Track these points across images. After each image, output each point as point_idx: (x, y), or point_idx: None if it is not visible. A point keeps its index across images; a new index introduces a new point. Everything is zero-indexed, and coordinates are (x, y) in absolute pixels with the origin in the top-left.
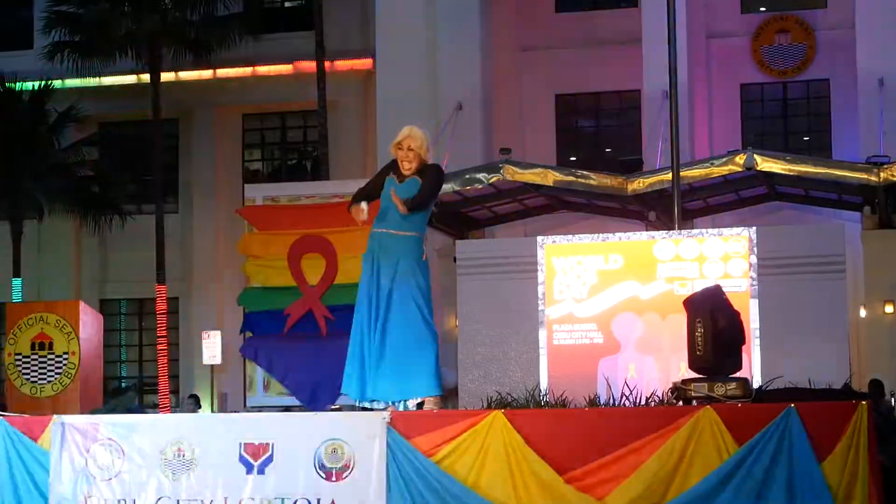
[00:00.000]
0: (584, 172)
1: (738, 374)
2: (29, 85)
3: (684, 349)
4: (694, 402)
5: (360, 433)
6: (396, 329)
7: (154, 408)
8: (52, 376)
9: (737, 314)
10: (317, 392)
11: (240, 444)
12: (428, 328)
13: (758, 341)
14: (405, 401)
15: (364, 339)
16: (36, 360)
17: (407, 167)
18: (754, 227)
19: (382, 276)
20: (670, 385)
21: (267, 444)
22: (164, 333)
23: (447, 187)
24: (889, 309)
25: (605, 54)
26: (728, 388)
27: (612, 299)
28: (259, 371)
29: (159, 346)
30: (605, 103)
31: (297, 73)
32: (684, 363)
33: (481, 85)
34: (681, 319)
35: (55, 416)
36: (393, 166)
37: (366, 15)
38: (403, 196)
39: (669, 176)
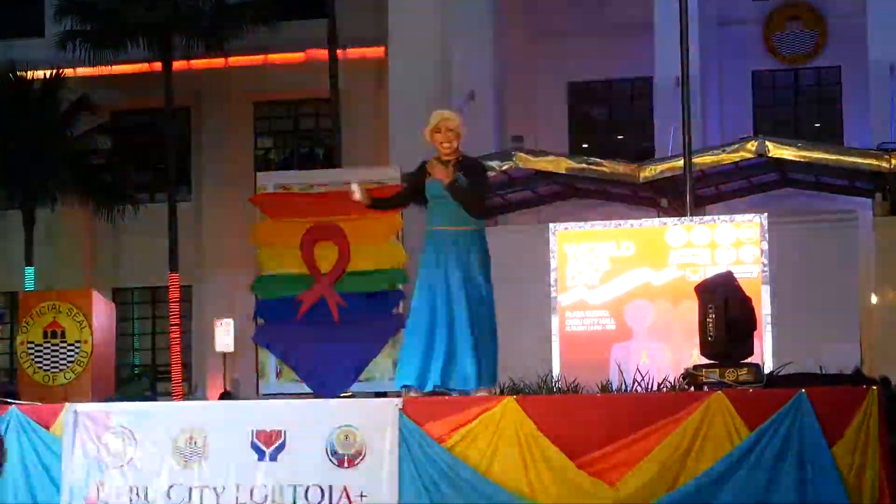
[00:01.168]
0: (597, 160)
1: (749, 360)
2: (41, 73)
3: (696, 335)
4: (705, 388)
5: (373, 420)
6: (475, 320)
7: (167, 395)
8: (65, 365)
9: (748, 300)
10: (329, 379)
11: (252, 431)
12: (494, 320)
13: (769, 327)
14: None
15: (434, 330)
16: (48, 348)
17: (448, 148)
18: (766, 214)
19: (453, 270)
20: (682, 371)
21: (279, 432)
22: (176, 321)
23: None
24: None
25: (617, 42)
26: (739, 373)
27: (624, 286)
28: (271, 358)
29: (172, 335)
30: (617, 91)
31: (310, 61)
32: (696, 350)
33: (493, 73)
34: (693, 306)
35: (67, 404)
36: (424, 170)
37: (378, 3)
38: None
39: (681, 163)
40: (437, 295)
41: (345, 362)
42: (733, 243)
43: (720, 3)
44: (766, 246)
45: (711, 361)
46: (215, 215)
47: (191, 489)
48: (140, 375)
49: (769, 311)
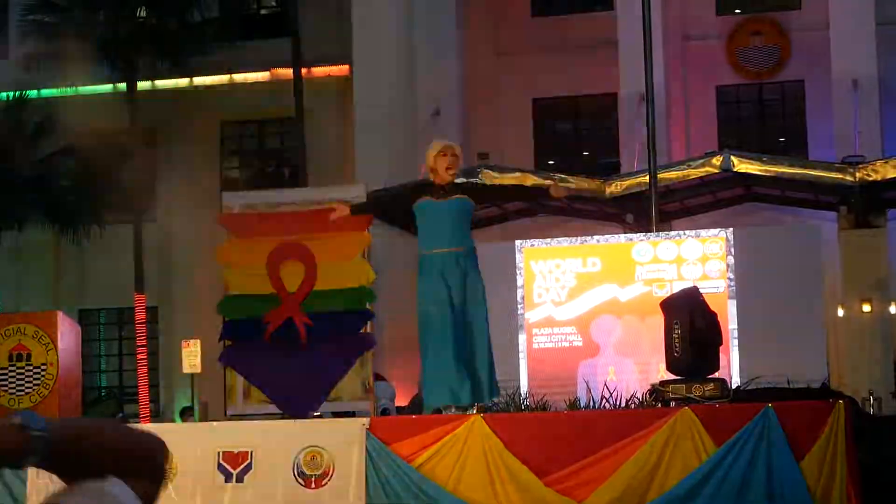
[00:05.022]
0: (562, 176)
1: (715, 375)
2: (4, 95)
3: (663, 351)
4: (672, 404)
5: (339, 440)
6: (480, 338)
7: (134, 417)
8: (30, 388)
9: (714, 315)
10: (296, 399)
11: (218, 452)
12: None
13: (736, 342)
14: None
15: (451, 349)
16: (14, 371)
17: (452, 172)
18: (731, 229)
19: (454, 291)
20: (649, 387)
21: (246, 452)
22: (143, 343)
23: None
24: (866, 308)
25: (581, 58)
26: (706, 388)
27: (591, 302)
28: (239, 380)
29: (139, 356)
30: (582, 107)
31: (275, 80)
32: (664, 365)
33: (458, 90)
34: (659, 321)
35: None
36: (421, 191)
37: (342, 21)
38: (456, 210)
39: (647, 178)
40: (451, 315)
41: (312, 383)
42: (699, 258)
43: (684, 19)
44: (731, 261)
45: (678, 377)
46: (182, 235)
47: None
48: (107, 397)
49: (735, 326)
